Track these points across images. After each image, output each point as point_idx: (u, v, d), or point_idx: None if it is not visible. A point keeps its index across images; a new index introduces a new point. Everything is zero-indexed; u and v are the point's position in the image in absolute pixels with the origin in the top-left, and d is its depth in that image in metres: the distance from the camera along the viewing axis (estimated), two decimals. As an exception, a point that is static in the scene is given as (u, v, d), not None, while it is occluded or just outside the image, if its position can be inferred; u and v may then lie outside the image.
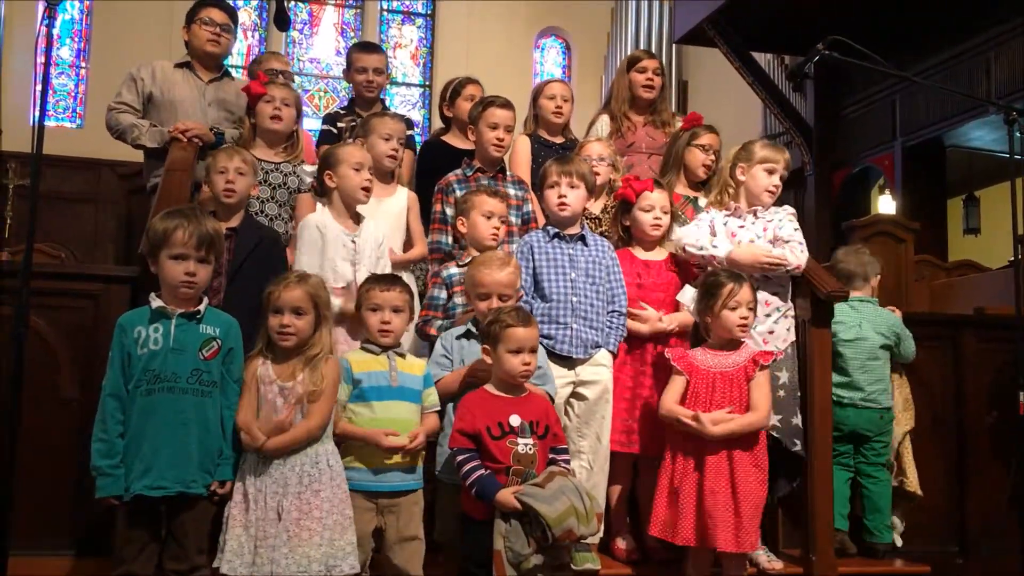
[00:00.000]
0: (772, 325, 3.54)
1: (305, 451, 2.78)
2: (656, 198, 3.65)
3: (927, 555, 3.91)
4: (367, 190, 3.51)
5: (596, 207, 4.01)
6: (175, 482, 2.69)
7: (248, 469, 2.76)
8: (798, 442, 3.52)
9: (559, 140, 4.48)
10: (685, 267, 3.67)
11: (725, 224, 3.62)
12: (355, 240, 3.45)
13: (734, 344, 3.26)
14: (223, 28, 4.36)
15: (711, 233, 3.60)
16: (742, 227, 3.61)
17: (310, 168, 3.89)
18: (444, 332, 3.28)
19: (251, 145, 3.86)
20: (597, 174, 3.93)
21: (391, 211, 3.85)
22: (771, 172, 3.63)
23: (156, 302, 2.81)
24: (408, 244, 3.92)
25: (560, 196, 3.52)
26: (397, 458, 2.90)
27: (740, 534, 3.10)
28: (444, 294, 3.44)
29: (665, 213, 3.66)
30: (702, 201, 4.06)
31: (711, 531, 3.07)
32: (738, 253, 3.51)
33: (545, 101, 4.47)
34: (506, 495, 2.78)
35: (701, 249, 3.55)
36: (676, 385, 3.23)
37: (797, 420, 3.54)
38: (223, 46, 4.40)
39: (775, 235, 3.58)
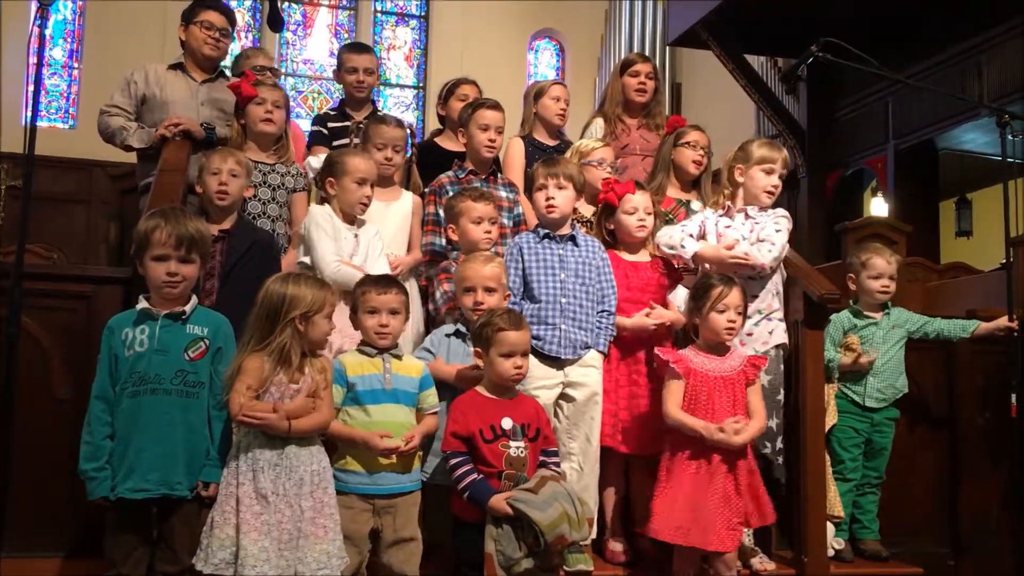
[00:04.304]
0: (752, 327, 3.54)
1: (309, 450, 2.75)
2: (639, 200, 3.65)
3: (919, 556, 3.91)
4: (364, 205, 3.56)
5: (588, 210, 4.01)
6: (159, 484, 2.68)
7: (260, 471, 2.67)
8: (769, 445, 3.56)
9: (554, 142, 4.48)
10: (670, 269, 3.68)
11: (716, 224, 3.63)
12: (357, 235, 3.52)
13: (723, 347, 3.26)
14: (222, 33, 4.35)
15: (700, 233, 3.60)
16: (729, 227, 3.62)
17: (316, 163, 3.88)
18: (435, 329, 3.33)
19: (243, 147, 3.86)
20: (607, 179, 3.96)
21: (397, 215, 3.86)
22: (769, 172, 3.63)
23: (142, 304, 2.80)
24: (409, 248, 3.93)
25: (548, 198, 3.52)
26: (392, 460, 2.90)
27: (736, 532, 3.13)
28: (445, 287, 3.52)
29: (649, 214, 3.66)
30: (695, 204, 4.08)
31: (711, 531, 3.07)
32: (704, 251, 3.53)
33: (549, 102, 4.48)
34: (499, 501, 2.79)
35: (671, 248, 3.57)
36: (676, 389, 3.18)
37: (772, 423, 3.54)
38: (221, 50, 4.39)
39: (758, 237, 3.58)
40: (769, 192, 3.63)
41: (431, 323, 3.65)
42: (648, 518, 3.15)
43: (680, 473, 3.13)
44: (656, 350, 3.29)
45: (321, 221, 3.48)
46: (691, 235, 3.60)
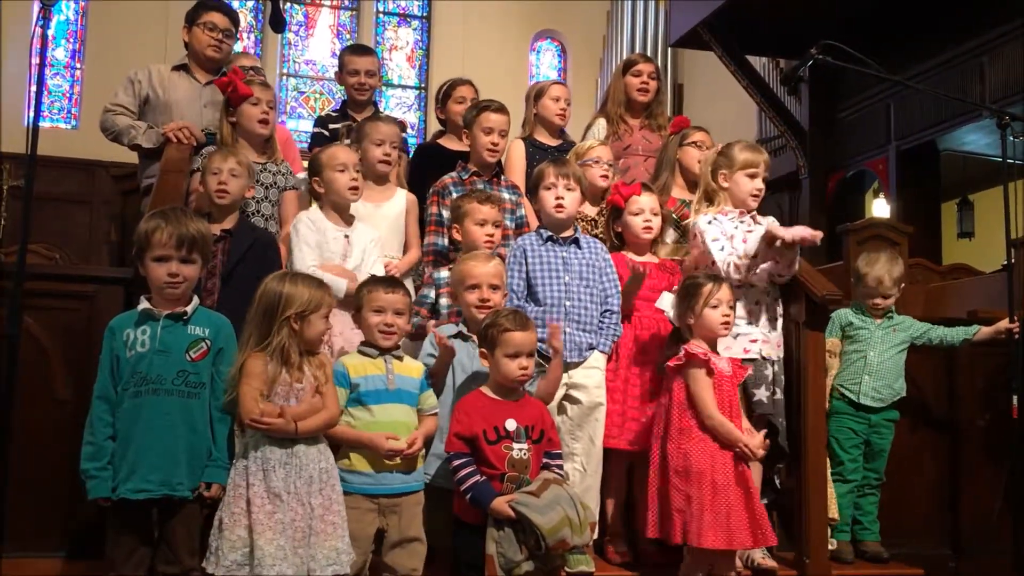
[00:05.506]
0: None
1: (317, 448, 2.77)
2: (645, 201, 3.65)
3: (920, 557, 3.91)
4: (355, 189, 3.56)
5: (592, 210, 4.01)
6: (160, 485, 2.67)
7: (271, 470, 2.68)
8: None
9: (555, 143, 4.48)
10: (678, 270, 3.67)
11: (736, 228, 3.59)
12: (348, 236, 3.51)
13: (713, 347, 3.26)
14: (225, 34, 4.36)
15: (728, 238, 3.56)
16: (750, 231, 3.58)
17: (302, 175, 3.91)
18: (433, 331, 3.29)
19: (234, 147, 3.85)
20: (605, 177, 3.95)
21: (389, 215, 3.86)
22: (753, 176, 3.58)
23: (144, 304, 2.79)
24: (405, 248, 3.92)
25: (558, 198, 3.52)
26: (397, 461, 2.90)
27: (757, 532, 3.11)
28: (433, 294, 3.50)
29: (655, 215, 3.66)
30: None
31: (727, 531, 3.05)
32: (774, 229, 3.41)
33: (550, 102, 4.48)
34: (501, 504, 2.78)
35: (737, 262, 3.40)
36: (708, 388, 3.13)
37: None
38: (225, 51, 4.40)
39: None
40: (755, 196, 3.59)
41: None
42: (699, 531, 3.05)
43: (720, 477, 3.08)
44: (684, 347, 3.22)
45: (302, 229, 3.47)
46: (725, 243, 3.49)
